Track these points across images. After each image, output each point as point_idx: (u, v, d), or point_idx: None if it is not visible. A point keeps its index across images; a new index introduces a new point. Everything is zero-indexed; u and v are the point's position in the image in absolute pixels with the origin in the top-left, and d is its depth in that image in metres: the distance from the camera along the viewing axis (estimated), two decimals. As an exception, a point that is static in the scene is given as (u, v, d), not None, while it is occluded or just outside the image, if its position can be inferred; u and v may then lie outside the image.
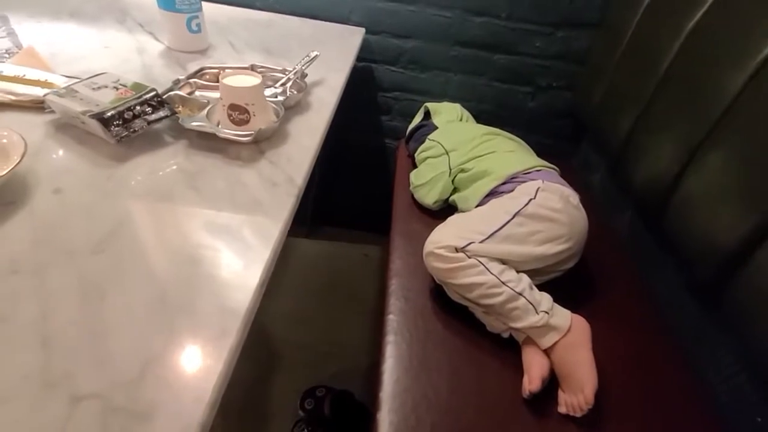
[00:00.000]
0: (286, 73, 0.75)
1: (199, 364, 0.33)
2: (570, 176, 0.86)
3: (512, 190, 0.78)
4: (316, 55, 0.80)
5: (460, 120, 1.12)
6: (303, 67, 0.76)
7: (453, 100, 1.20)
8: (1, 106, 0.58)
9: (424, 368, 0.65)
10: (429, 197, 0.95)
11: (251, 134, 0.57)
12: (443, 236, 0.70)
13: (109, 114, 0.52)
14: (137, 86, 0.58)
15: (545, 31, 1.14)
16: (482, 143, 0.95)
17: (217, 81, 0.70)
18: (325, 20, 1.14)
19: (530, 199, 0.72)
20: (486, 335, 0.69)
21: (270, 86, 0.71)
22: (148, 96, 0.55)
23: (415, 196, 0.98)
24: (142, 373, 0.32)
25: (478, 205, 0.81)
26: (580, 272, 0.78)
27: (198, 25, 0.83)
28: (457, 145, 0.97)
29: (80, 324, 0.35)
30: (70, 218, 0.45)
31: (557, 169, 0.86)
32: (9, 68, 0.63)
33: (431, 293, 0.76)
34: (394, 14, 1.14)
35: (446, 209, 0.94)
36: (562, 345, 0.60)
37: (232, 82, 0.57)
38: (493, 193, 0.81)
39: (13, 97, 0.59)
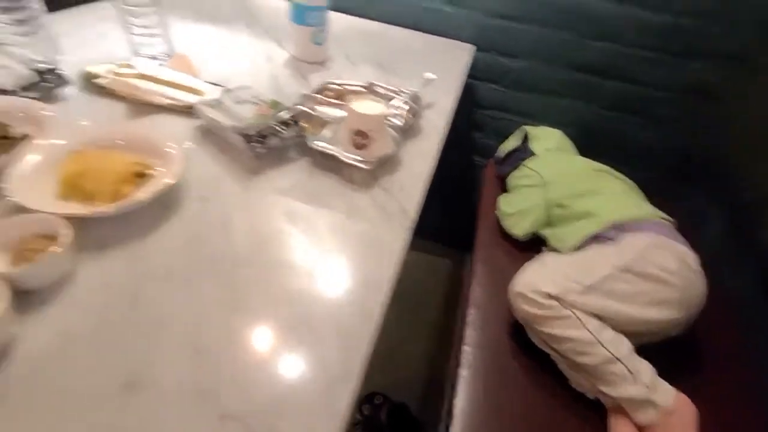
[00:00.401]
0: (401, 94, 0.75)
1: (324, 400, 0.35)
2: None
3: (618, 240, 0.72)
4: (432, 79, 0.79)
5: (561, 149, 1.06)
6: (418, 91, 0.76)
7: (554, 124, 1.14)
8: (157, 108, 0.65)
9: (496, 412, 0.63)
10: (518, 228, 0.91)
11: (372, 161, 0.58)
12: (536, 279, 0.67)
13: (251, 132, 0.55)
14: (274, 104, 0.61)
15: (671, 60, 1.03)
16: (587, 180, 0.89)
17: (337, 98, 0.73)
18: (435, 34, 1.13)
19: (640, 254, 0.66)
20: (567, 388, 0.65)
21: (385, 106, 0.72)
22: (284, 116, 0.59)
23: (503, 223, 0.95)
24: (278, 403, 0.34)
25: (576, 248, 0.76)
26: (683, 338, 0.71)
27: (322, 38, 0.86)
28: (556, 178, 0.91)
29: (226, 339, 0.38)
30: (214, 228, 0.49)
31: (673, 221, 0.78)
32: (165, 72, 0.70)
33: (511, 330, 0.74)
34: (506, 32, 1.09)
35: (534, 240, 0.90)
36: (662, 425, 0.55)
37: (360, 108, 0.58)
38: (595, 239, 0.75)
39: (168, 101, 0.65)
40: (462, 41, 1.12)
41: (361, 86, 0.75)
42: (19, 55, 0.63)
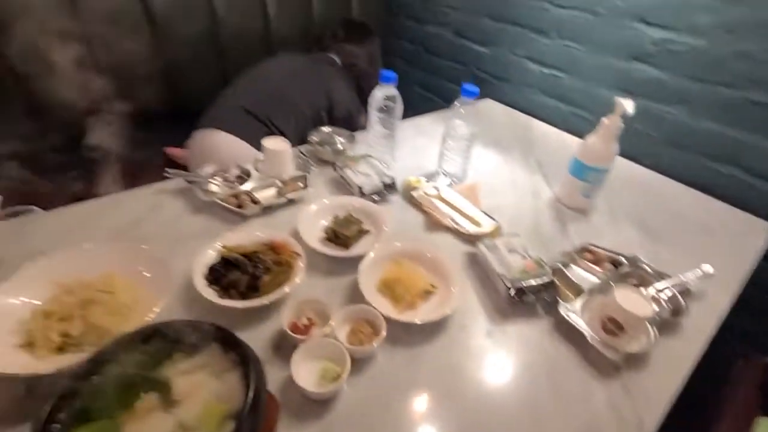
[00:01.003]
0: (666, 278, 0.72)
1: None
2: None
3: None
4: (710, 274, 0.72)
5: None
6: (689, 282, 0.71)
7: None
8: (445, 228, 0.84)
9: None
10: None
11: (620, 354, 0.59)
12: None
13: (516, 286, 0.65)
14: (539, 263, 0.70)
15: None
16: None
17: (595, 263, 0.76)
18: (724, 200, 1.00)
19: None
20: None
21: (643, 286, 0.70)
22: (546, 281, 0.66)
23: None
24: None
25: None
26: None
27: (593, 193, 0.90)
28: None
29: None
30: (467, 359, 0.60)
31: None
32: (456, 197, 0.88)
33: None
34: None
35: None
36: None
37: (624, 301, 0.60)
38: None
39: (453, 225, 0.83)
40: (758, 216, 0.95)
41: (624, 257, 0.75)
42: (376, 166, 0.92)
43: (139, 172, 1.16)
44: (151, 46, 1.35)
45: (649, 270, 0.74)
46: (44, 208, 0.76)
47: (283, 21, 1.55)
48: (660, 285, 0.70)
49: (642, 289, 0.69)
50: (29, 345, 0.51)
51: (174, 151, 1.39)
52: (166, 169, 0.83)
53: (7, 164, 1.17)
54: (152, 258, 0.63)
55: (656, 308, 0.65)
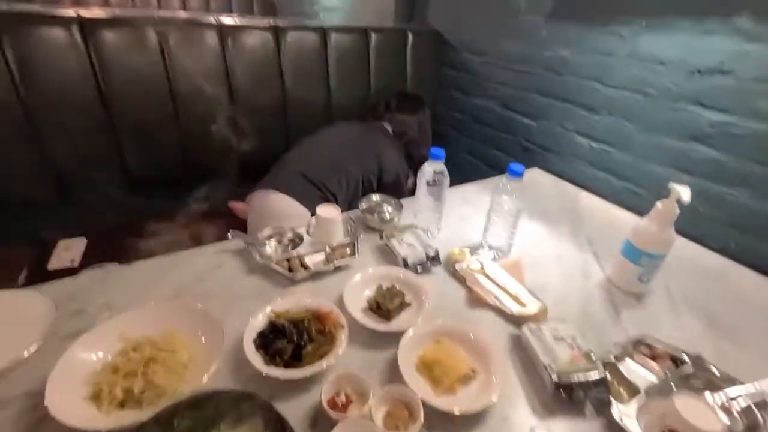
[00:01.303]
0: (737, 383, 0.64)
1: None
2: None
3: None
4: (792, 384, 0.64)
5: None
6: (766, 391, 0.63)
7: None
8: (486, 305, 0.82)
9: None
10: None
11: (682, 476, 0.52)
12: None
13: (564, 381, 0.62)
14: (587, 356, 0.65)
15: None
16: None
17: (653, 358, 0.70)
18: (804, 294, 0.90)
19: None
20: None
21: (709, 390, 0.63)
22: (596, 378, 0.62)
23: None
24: None
25: None
26: None
27: (648, 278, 0.85)
28: None
29: None
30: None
31: None
32: (500, 273, 0.87)
33: None
34: None
35: None
36: None
37: (687, 412, 0.54)
38: None
39: (496, 303, 0.81)
40: None
41: (687, 355, 0.69)
42: (421, 236, 0.94)
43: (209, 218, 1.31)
44: (230, 112, 1.53)
45: (716, 373, 0.66)
46: (125, 261, 0.85)
47: (343, 93, 1.70)
48: (731, 392, 0.63)
49: (708, 394, 0.62)
50: (96, 398, 0.55)
51: (236, 205, 1.51)
52: (230, 230, 0.91)
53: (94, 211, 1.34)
54: (209, 318, 0.68)
55: (727, 421, 0.58)
